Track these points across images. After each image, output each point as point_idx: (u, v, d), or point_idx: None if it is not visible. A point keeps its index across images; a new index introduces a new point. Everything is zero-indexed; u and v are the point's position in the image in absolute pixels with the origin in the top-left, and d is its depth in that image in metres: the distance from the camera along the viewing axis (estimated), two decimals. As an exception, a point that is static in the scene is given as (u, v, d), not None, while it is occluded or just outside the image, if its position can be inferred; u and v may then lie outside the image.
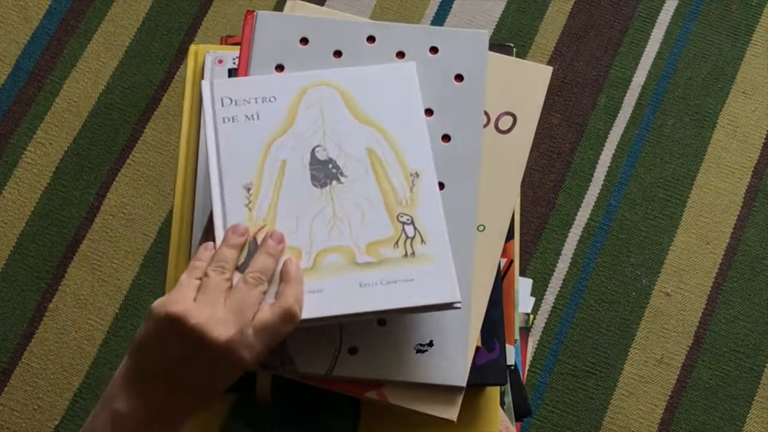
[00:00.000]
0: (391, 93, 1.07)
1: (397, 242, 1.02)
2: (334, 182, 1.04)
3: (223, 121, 1.05)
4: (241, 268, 1.00)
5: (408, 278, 1.01)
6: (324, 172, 1.04)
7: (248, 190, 1.03)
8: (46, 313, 1.89)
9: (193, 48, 1.19)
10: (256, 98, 1.06)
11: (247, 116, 1.06)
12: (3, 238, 1.92)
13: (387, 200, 1.03)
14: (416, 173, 1.04)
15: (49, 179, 1.96)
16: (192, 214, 1.14)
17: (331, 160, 1.04)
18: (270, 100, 1.06)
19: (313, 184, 1.03)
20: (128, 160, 1.97)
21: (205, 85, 1.07)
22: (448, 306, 1.01)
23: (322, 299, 0.99)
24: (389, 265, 1.01)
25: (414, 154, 1.05)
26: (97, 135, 1.99)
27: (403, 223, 1.02)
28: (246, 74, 1.09)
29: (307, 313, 0.99)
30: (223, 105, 1.06)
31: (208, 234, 1.06)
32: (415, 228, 1.02)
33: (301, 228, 1.02)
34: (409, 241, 1.02)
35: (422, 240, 1.02)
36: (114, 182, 1.96)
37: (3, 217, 1.94)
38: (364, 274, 1.00)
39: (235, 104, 1.06)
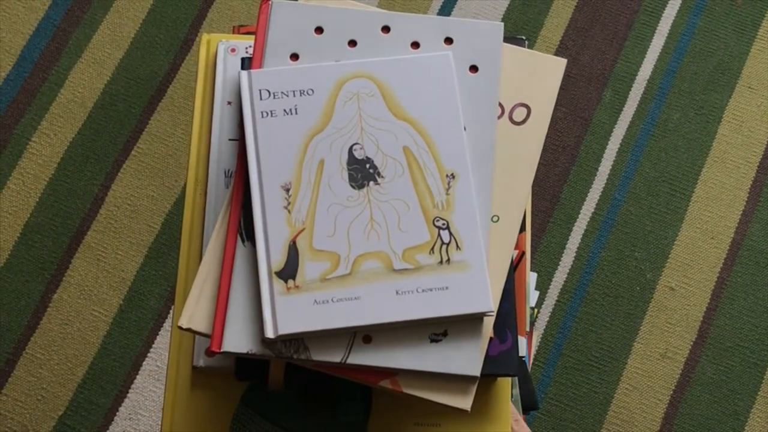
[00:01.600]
0: (428, 85, 1.07)
1: (432, 248, 1.02)
2: (371, 183, 1.04)
3: (262, 116, 1.05)
4: (281, 275, 1.00)
5: (442, 286, 1.01)
6: (362, 172, 1.04)
7: (287, 191, 1.03)
8: (51, 304, 1.89)
9: (205, 37, 1.19)
10: (294, 91, 1.06)
11: (285, 110, 1.06)
12: (8, 229, 1.92)
13: (423, 204, 1.03)
14: (452, 174, 1.04)
15: (54, 170, 1.96)
16: (204, 203, 1.14)
17: (368, 160, 1.04)
18: (308, 93, 1.06)
19: (351, 185, 1.03)
20: (133, 152, 1.97)
21: (243, 75, 1.07)
22: (481, 315, 1.01)
23: (359, 307, 1.00)
24: (425, 272, 1.01)
25: (450, 153, 1.05)
26: (101, 126, 1.99)
27: (439, 228, 1.03)
28: (261, 63, 1.09)
29: (344, 321, 0.99)
30: (261, 98, 1.06)
31: (227, 214, 1.06)
32: (450, 233, 1.03)
33: (339, 232, 1.02)
34: (444, 247, 1.02)
35: (457, 246, 1.02)
36: (119, 173, 1.96)
37: (8, 207, 1.93)
38: (401, 282, 1.01)
39: (273, 97, 1.06)
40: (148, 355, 1.87)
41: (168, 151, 1.97)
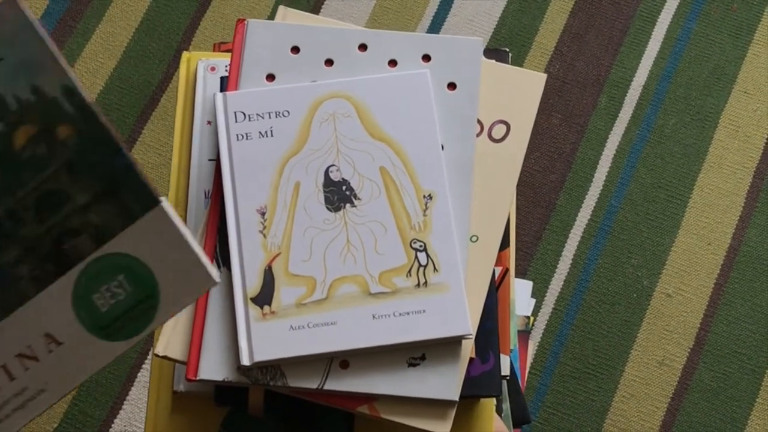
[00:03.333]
0: (405, 104, 1.06)
1: (409, 271, 1.01)
2: (348, 205, 1.03)
3: (237, 139, 1.05)
4: (256, 301, 1.00)
5: (420, 310, 1.01)
6: (338, 194, 1.03)
7: (262, 215, 1.03)
8: (45, 316, 1.88)
9: (185, 55, 1.18)
10: (269, 113, 1.06)
11: (260, 133, 1.05)
12: (1, 241, 1.92)
13: (400, 225, 1.02)
14: (429, 195, 1.04)
15: (47, 181, 1.95)
16: (185, 221, 1.13)
17: (344, 182, 1.03)
18: (283, 115, 1.06)
19: (327, 208, 1.03)
20: (126, 162, 1.96)
21: (218, 97, 1.06)
22: (459, 338, 1.01)
23: (335, 333, 0.99)
24: (402, 296, 1.01)
25: (427, 173, 1.04)
26: (95, 136, 1.98)
27: (416, 250, 1.02)
28: (237, 84, 1.08)
29: (320, 347, 0.98)
30: (236, 120, 1.05)
31: (203, 239, 1.05)
32: (427, 255, 1.02)
33: (315, 256, 1.02)
34: (422, 269, 1.02)
35: (435, 268, 1.02)
36: (112, 184, 1.95)
37: (1, 219, 1.93)
38: (377, 306, 1.00)
39: (249, 119, 1.05)
40: (143, 366, 1.86)
41: (162, 160, 1.97)
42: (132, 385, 1.85)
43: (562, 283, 1.93)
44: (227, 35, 2.04)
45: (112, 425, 1.84)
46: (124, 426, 1.83)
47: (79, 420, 1.83)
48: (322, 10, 2.07)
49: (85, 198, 0.81)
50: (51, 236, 0.81)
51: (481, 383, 1.05)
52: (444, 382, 1.00)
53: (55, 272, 0.81)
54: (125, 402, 1.84)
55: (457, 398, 1.00)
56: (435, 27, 2.06)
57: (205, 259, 0.80)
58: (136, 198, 0.81)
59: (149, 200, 0.81)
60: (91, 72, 2.02)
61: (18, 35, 0.75)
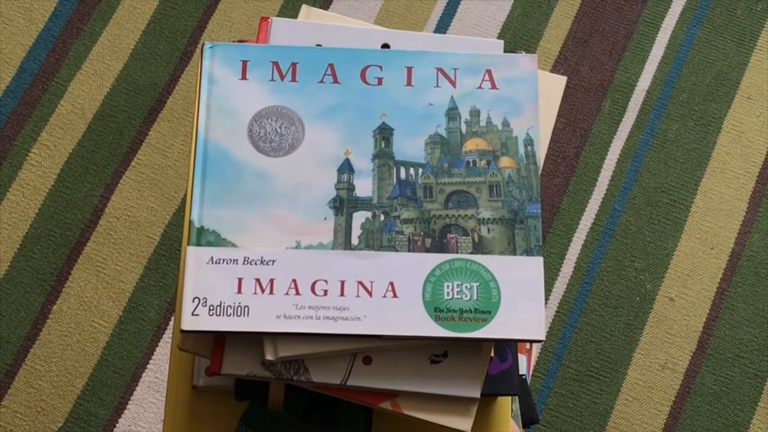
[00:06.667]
0: None
1: None
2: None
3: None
4: None
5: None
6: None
7: None
8: (50, 315, 1.89)
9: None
10: None
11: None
12: (7, 240, 1.92)
13: None
14: None
15: (54, 181, 1.96)
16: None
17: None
18: None
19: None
20: (133, 163, 1.97)
21: None
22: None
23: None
24: None
25: None
26: (101, 137, 1.99)
27: None
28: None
29: (345, 343, 0.99)
30: None
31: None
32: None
33: None
34: None
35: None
36: (118, 184, 1.96)
37: (7, 219, 1.93)
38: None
39: None
40: (148, 366, 1.86)
41: (168, 162, 1.97)
42: (137, 385, 1.86)
43: (566, 286, 1.94)
44: (234, 37, 2.05)
45: (117, 425, 1.84)
46: (129, 426, 1.84)
47: (83, 419, 1.84)
48: (328, 14, 2.07)
49: (489, 215, 1.00)
50: (444, 222, 1.00)
51: (499, 382, 1.06)
52: (466, 379, 1.01)
53: (428, 249, 0.99)
54: (130, 402, 1.85)
55: (479, 395, 1.00)
56: (440, 31, 2.07)
57: (542, 320, 0.97)
58: (528, 240, 0.99)
59: (537, 250, 0.99)
60: (97, 74, 2.03)
61: None
